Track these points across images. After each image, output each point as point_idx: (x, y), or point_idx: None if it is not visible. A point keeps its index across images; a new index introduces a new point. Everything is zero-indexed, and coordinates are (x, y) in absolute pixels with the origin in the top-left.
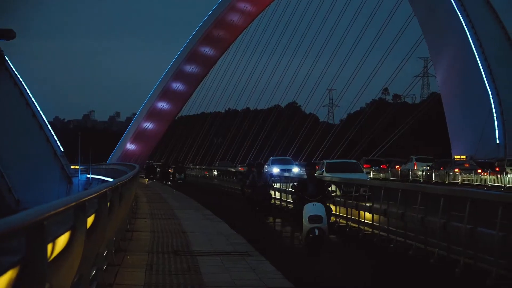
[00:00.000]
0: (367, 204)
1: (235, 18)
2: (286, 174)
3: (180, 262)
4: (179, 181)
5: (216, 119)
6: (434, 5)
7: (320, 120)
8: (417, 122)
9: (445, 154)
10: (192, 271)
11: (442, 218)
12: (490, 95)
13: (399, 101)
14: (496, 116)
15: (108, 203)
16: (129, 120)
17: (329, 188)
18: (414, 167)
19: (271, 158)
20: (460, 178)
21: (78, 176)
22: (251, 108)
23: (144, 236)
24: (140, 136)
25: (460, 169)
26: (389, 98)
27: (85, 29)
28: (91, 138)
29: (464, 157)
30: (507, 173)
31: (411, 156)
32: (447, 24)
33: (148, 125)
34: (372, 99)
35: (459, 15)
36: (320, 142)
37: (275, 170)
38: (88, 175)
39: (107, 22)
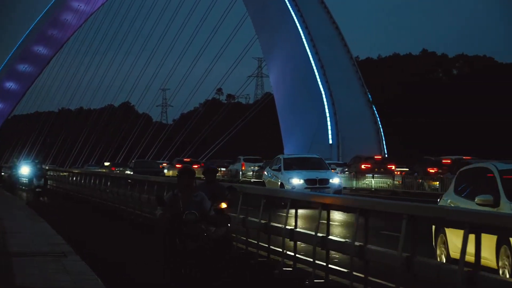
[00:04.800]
0: None
1: (68, 17)
2: (325, 189)
3: None
4: (37, 189)
5: (49, 118)
6: (267, 4)
7: (153, 120)
8: (250, 122)
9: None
10: None
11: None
12: (324, 96)
13: (232, 101)
14: (329, 116)
15: None
16: None
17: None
18: (242, 168)
19: (281, 157)
20: None
21: None
22: (84, 108)
23: None
24: None
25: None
26: (223, 98)
27: None
28: None
29: None
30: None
31: (239, 156)
32: (280, 23)
33: None
34: (206, 99)
35: (293, 14)
36: (153, 142)
37: (296, 181)
38: None
39: None
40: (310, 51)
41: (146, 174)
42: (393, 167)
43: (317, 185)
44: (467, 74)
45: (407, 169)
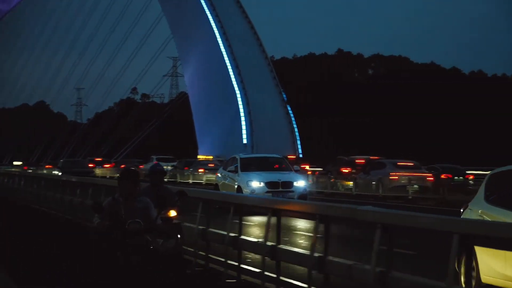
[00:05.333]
0: None
1: None
2: (289, 193)
3: None
4: None
5: None
6: (182, 4)
7: (68, 119)
8: (165, 121)
9: (195, 154)
10: None
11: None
12: (238, 95)
13: (147, 100)
14: (244, 116)
15: None
16: None
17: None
18: None
19: (237, 156)
20: (204, 178)
21: None
22: None
23: None
24: None
25: (205, 169)
26: (138, 97)
27: None
28: None
29: (211, 157)
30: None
31: (152, 156)
32: (195, 23)
33: None
34: (121, 99)
35: (208, 14)
36: (68, 141)
37: (255, 184)
38: None
39: None
40: (225, 51)
41: (76, 174)
42: (307, 167)
43: (280, 189)
44: (383, 74)
45: (321, 169)
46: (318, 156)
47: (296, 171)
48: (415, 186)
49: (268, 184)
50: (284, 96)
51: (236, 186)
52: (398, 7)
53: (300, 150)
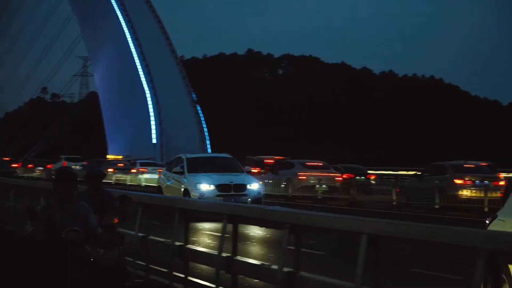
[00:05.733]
0: None
1: None
2: (242, 197)
3: None
4: None
5: None
6: (92, 4)
7: None
8: (74, 121)
9: (105, 153)
10: None
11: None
12: (148, 95)
13: (57, 100)
14: (153, 116)
15: None
16: None
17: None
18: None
19: (183, 156)
20: (114, 177)
21: None
22: None
23: None
24: None
25: (114, 169)
26: (48, 97)
27: None
28: None
29: (120, 157)
30: (142, 173)
31: (61, 156)
32: (105, 23)
33: None
34: (31, 98)
35: (118, 13)
36: None
37: (205, 187)
38: None
39: None
40: (135, 51)
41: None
42: None
43: (232, 192)
44: (293, 73)
45: None
46: None
47: (248, 172)
48: (324, 186)
49: (219, 187)
50: (194, 96)
51: (182, 189)
52: (307, 5)
53: (209, 150)
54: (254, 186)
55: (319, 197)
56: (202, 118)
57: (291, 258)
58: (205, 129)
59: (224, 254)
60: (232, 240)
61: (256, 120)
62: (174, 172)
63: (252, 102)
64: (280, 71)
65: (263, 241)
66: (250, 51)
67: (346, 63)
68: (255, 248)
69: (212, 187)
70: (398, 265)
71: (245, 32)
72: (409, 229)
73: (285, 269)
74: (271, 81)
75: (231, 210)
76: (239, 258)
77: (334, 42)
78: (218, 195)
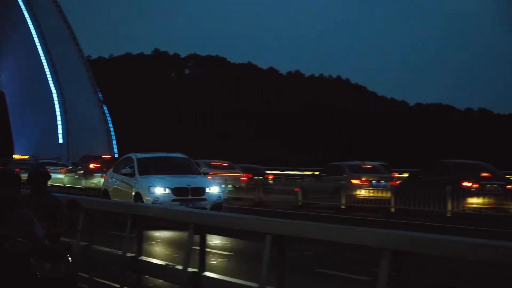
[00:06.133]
0: None
1: None
2: (201, 202)
3: None
4: None
5: None
6: None
7: None
8: None
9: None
10: None
11: None
12: (54, 95)
13: None
14: (60, 115)
15: None
16: None
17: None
18: None
19: (133, 156)
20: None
21: None
22: None
23: None
24: None
25: (20, 169)
26: None
27: None
28: None
29: (27, 156)
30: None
31: None
32: (11, 22)
33: None
34: None
35: (25, 12)
36: None
37: (160, 190)
38: None
39: None
40: (42, 50)
41: None
42: None
43: (190, 197)
44: (199, 73)
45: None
46: None
47: (205, 174)
48: (229, 186)
49: (175, 190)
50: (100, 95)
51: (133, 193)
52: (215, 5)
53: (116, 150)
54: (214, 189)
55: (225, 197)
56: (109, 118)
57: (196, 259)
58: (112, 129)
59: (190, 269)
60: (137, 240)
61: (164, 120)
62: (123, 174)
63: (159, 101)
64: (187, 71)
65: (172, 242)
66: (156, 50)
67: (253, 63)
68: (163, 249)
69: (167, 190)
70: (303, 266)
71: (152, 32)
72: (312, 229)
73: (190, 270)
74: (178, 81)
75: (132, 210)
76: (143, 258)
77: (241, 43)
78: (174, 200)
